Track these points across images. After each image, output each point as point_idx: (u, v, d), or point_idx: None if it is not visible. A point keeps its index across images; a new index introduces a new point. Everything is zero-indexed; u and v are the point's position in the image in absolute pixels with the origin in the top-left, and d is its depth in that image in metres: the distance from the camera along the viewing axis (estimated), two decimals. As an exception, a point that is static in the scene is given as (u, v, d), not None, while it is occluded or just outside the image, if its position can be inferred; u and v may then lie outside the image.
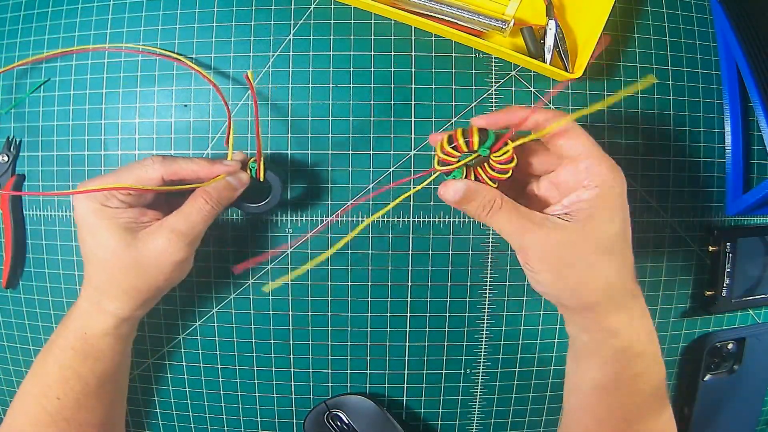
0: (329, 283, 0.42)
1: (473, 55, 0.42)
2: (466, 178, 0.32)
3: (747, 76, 0.40)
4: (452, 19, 0.40)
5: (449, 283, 0.42)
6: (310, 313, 0.43)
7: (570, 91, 0.42)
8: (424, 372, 0.44)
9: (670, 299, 0.44)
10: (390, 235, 0.42)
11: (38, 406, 0.34)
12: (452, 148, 0.31)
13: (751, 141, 0.43)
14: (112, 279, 0.34)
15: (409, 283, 0.42)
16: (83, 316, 0.35)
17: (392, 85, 0.41)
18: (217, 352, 0.44)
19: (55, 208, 0.43)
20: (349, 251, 0.42)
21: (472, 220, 0.42)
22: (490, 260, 0.42)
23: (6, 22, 0.43)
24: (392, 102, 0.41)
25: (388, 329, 0.43)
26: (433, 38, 0.41)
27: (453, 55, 0.41)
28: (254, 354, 0.43)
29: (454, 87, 0.41)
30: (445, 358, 0.43)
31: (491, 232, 0.42)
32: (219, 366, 0.44)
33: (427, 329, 0.43)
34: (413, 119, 0.42)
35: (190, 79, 0.42)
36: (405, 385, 0.44)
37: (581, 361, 0.34)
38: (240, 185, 0.36)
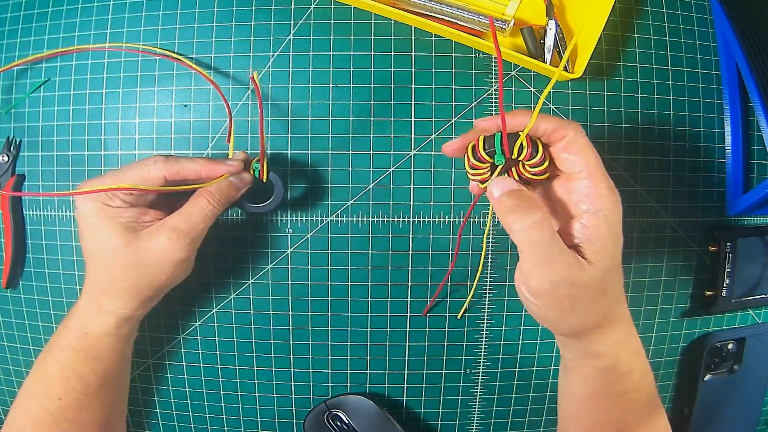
0: (329, 283, 0.42)
1: (473, 55, 0.42)
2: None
3: (747, 76, 0.40)
4: (452, 19, 0.40)
5: (449, 283, 0.42)
6: (310, 313, 0.43)
7: (570, 91, 0.42)
8: (424, 372, 0.44)
9: (670, 299, 0.44)
10: (390, 235, 0.42)
11: (40, 407, 0.34)
12: (477, 159, 0.30)
13: (751, 141, 0.43)
14: (114, 278, 0.34)
15: (409, 283, 0.42)
16: (84, 316, 0.35)
17: (392, 85, 0.41)
18: (217, 352, 0.44)
19: (55, 208, 0.43)
20: (349, 251, 0.42)
21: (471, 220, 0.42)
22: (490, 260, 0.42)
23: (6, 22, 0.43)
24: (392, 102, 0.41)
25: (388, 329, 0.43)
26: (433, 38, 0.41)
27: (453, 55, 0.41)
28: (254, 354, 0.43)
29: (454, 87, 0.41)
30: (445, 358, 0.43)
31: (491, 232, 0.42)
32: (219, 366, 0.44)
33: (427, 329, 0.43)
34: (413, 119, 0.42)
35: (190, 79, 0.42)
36: (405, 385, 0.44)
37: (568, 374, 0.34)
38: (243, 185, 0.36)
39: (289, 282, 0.43)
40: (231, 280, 0.43)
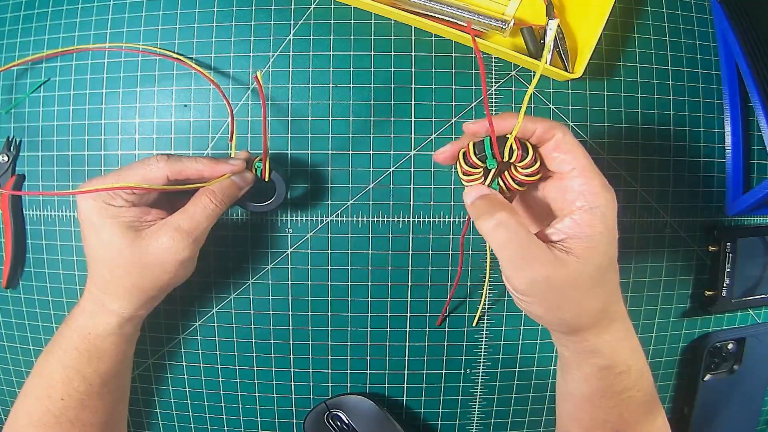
0: (329, 283, 0.42)
1: (473, 55, 0.42)
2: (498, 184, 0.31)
3: (747, 76, 0.40)
4: (452, 19, 0.40)
5: (449, 283, 0.42)
6: (310, 313, 0.43)
7: (570, 91, 0.42)
8: (424, 372, 0.44)
9: (670, 299, 0.44)
10: (390, 235, 0.42)
11: (42, 407, 0.34)
12: (469, 165, 0.31)
13: (751, 141, 0.43)
14: (116, 278, 0.33)
15: (409, 283, 0.42)
16: (86, 316, 0.35)
17: (392, 85, 0.41)
18: (217, 352, 0.44)
19: (55, 208, 0.43)
20: (349, 251, 0.42)
21: (471, 219, 0.42)
22: (489, 260, 0.42)
23: (6, 22, 0.43)
24: (392, 102, 0.41)
25: (388, 329, 0.43)
26: (433, 38, 0.41)
27: (453, 55, 0.41)
28: (254, 354, 0.43)
29: (454, 87, 0.41)
30: (445, 358, 0.43)
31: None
32: (219, 366, 0.44)
33: (427, 329, 0.43)
34: (413, 119, 0.42)
35: (190, 79, 0.42)
36: (405, 385, 0.44)
37: (566, 373, 0.34)
38: (245, 184, 0.36)
39: (289, 282, 0.43)
40: (231, 280, 0.43)
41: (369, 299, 0.43)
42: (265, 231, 0.42)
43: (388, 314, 0.43)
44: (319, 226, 0.42)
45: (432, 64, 0.41)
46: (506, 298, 0.43)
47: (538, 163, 0.30)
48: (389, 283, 0.42)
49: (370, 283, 0.42)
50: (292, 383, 0.44)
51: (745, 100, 0.43)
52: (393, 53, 0.41)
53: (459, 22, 0.40)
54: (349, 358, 0.43)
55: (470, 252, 0.42)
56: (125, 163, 0.42)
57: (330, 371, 0.44)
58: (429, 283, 0.42)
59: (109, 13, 0.42)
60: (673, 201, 0.43)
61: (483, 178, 0.31)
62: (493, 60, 0.42)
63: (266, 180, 0.37)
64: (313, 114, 0.42)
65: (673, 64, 0.42)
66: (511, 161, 0.30)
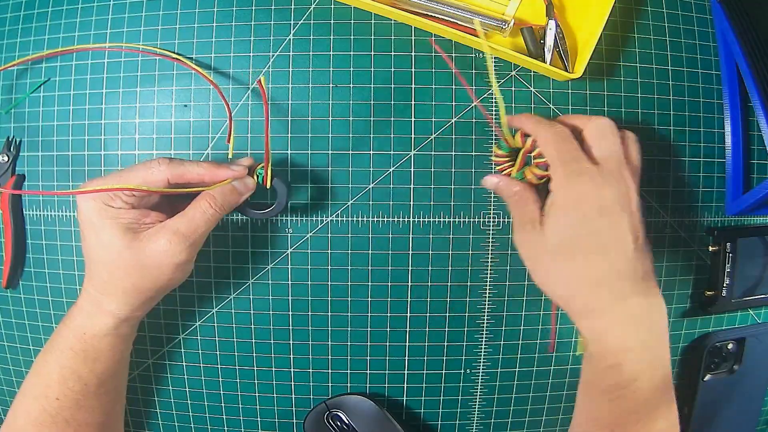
0: (329, 283, 0.42)
1: (473, 55, 0.42)
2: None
3: (747, 76, 0.40)
4: (452, 19, 0.40)
5: (449, 283, 0.42)
6: (310, 313, 0.43)
7: (570, 91, 0.42)
8: (424, 372, 0.44)
9: (670, 299, 0.44)
10: (390, 235, 0.42)
11: (39, 407, 0.34)
12: (498, 157, 0.37)
13: (751, 141, 0.43)
14: (113, 279, 0.34)
15: (409, 283, 0.42)
16: (83, 316, 0.35)
17: (392, 85, 0.41)
18: (217, 352, 0.44)
19: (55, 208, 0.43)
20: (349, 251, 0.42)
21: (472, 220, 0.42)
22: (490, 260, 0.42)
23: (6, 22, 0.43)
24: (392, 102, 0.41)
25: (388, 329, 0.43)
26: (432, 38, 0.41)
27: (453, 55, 0.41)
28: (254, 354, 0.43)
29: (454, 87, 0.41)
30: (445, 358, 0.43)
31: (491, 232, 0.42)
32: (219, 366, 0.44)
33: (427, 329, 0.43)
34: (413, 119, 0.42)
35: (190, 79, 0.42)
36: (405, 385, 0.44)
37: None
38: (246, 191, 0.36)
39: (289, 282, 0.43)
40: (231, 280, 0.43)
41: (369, 299, 0.43)
42: (265, 231, 0.42)
43: (388, 314, 0.43)
44: (319, 226, 0.42)
45: (432, 64, 0.41)
46: (506, 298, 0.43)
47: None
48: (389, 283, 0.42)
49: (370, 283, 0.42)
50: (292, 383, 0.44)
51: (745, 100, 0.43)
52: (393, 53, 0.41)
53: (459, 22, 0.40)
54: (349, 358, 0.43)
55: (470, 252, 0.42)
56: (125, 163, 0.42)
57: (330, 371, 0.44)
58: (429, 283, 0.42)
59: (109, 13, 0.42)
60: (673, 201, 0.43)
61: (510, 165, 0.37)
62: (493, 60, 0.41)
63: (267, 187, 0.37)
64: (313, 114, 0.42)
65: (673, 64, 0.43)
66: (526, 147, 0.35)
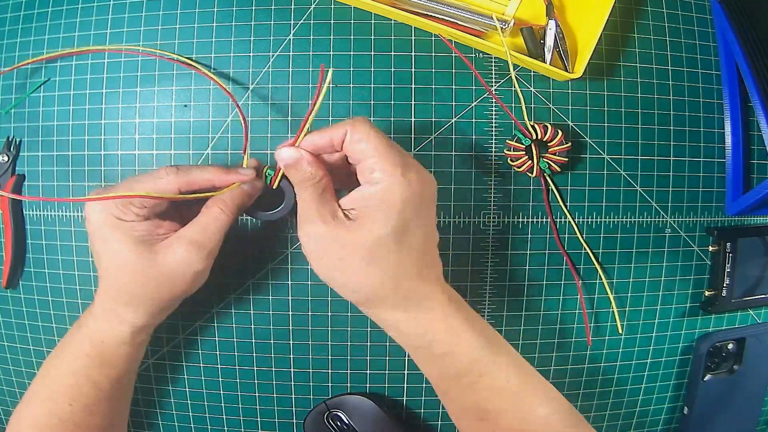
0: (329, 283, 0.42)
1: (473, 55, 0.42)
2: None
3: (747, 76, 0.40)
4: (452, 19, 0.40)
5: (449, 283, 0.42)
6: (310, 313, 0.43)
7: (570, 91, 0.42)
8: (424, 372, 0.44)
9: (670, 299, 0.44)
10: (390, 235, 0.42)
11: (47, 411, 0.34)
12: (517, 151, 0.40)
13: (751, 141, 0.43)
14: (131, 290, 0.33)
15: (409, 283, 0.42)
16: (99, 324, 0.34)
17: (392, 85, 0.41)
18: (217, 352, 0.44)
19: (55, 208, 0.43)
20: (349, 251, 0.42)
21: (472, 220, 0.42)
22: (490, 260, 0.42)
23: (6, 22, 0.43)
24: (392, 102, 0.41)
25: (388, 329, 0.43)
26: (433, 38, 0.41)
27: (453, 55, 0.41)
28: (254, 354, 0.43)
29: (454, 87, 0.41)
30: (445, 358, 0.43)
31: (491, 232, 0.42)
32: (219, 366, 0.44)
33: (427, 329, 0.43)
34: (413, 119, 0.42)
35: (190, 79, 0.42)
36: (405, 385, 0.44)
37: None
38: (255, 192, 0.36)
39: (289, 282, 0.43)
40: (231, 280, 0.43)
41: (369, 299, 0.42)
42: (265, 231, 0.42)
43: (388, 314, 0.43)
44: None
45: (432, 64, 0.41)
46: (506, 299, 0.43)
47: (569, 143, 0.39)
48: (389, 283, 0.42)
49: (370, 283, 0.42)
50: (292, 383, 0.44)
51: (745, 100, 0.43)
52: (393, 53, 0.41)
53: (459, 22, 0.40)
54: (349, 358, 0.43)
55: (470, 252, 0.42)
56: (125, 163, 0.42)
57: (330, 371, 0.44)
58: (429, 283, 0.42)
59: (109, 13, 0.42)
60: (673, 201, 0.43)
61: (528, 160, 0.40)
62: (493, 60, 0.42)
63: (274, 188, 0.37)
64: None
65: (673, 64, 0.43)
66: (545, 139, 0.39)
